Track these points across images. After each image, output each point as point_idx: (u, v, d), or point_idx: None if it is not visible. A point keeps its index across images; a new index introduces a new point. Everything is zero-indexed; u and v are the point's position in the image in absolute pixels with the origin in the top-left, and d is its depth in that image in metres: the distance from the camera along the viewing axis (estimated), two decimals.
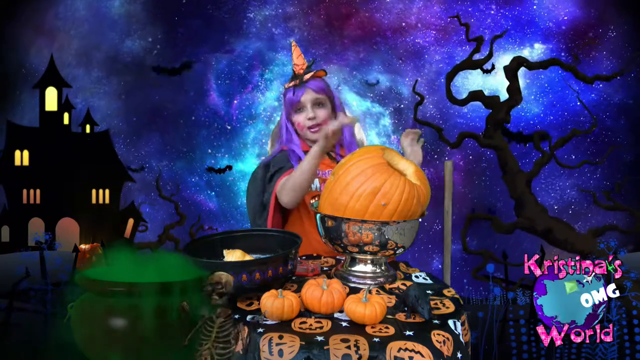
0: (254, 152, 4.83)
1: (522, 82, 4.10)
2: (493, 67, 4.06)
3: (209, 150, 4.78)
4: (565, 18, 4.46)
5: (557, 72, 4.25)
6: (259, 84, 4.79)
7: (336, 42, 4.68)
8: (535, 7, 4.53)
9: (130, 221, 4.70)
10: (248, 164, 4.82)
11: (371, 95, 4.74)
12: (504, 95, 4.09)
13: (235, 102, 4.78)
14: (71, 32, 4.61)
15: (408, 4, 4.64)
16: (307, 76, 1.80)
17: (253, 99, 4.80)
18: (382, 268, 1.48)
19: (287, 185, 1.72)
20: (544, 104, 4.55)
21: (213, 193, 4.84)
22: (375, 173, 1.37)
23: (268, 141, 2.28)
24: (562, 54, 4.42)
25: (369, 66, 4.71)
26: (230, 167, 4.74)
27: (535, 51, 4.55)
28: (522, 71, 4.06)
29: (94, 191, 4.67)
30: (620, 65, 4.22)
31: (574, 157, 4.38)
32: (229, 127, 4.77)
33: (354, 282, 1.44)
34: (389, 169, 1.40)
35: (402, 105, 4.71)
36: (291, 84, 1.83)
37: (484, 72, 4.08)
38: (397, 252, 1.43)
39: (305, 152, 1.87)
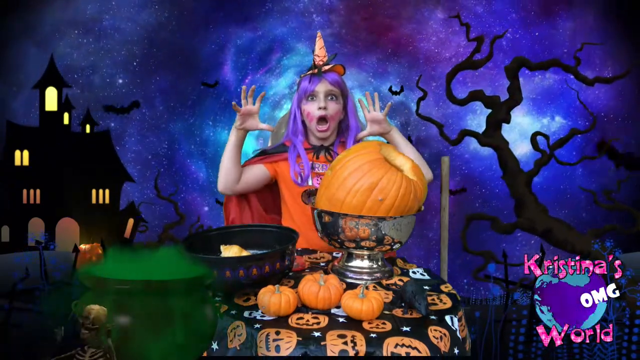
0: (253, 132, 4.80)
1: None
2: None
3: (210, 122, 4.75)
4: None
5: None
6: (275, 68, 4.76)
7: (353, 45, 4.65)
8: (555, 32, 4.44)
9: (130, 221, 4.70)
10: (245, 144, 4.78)
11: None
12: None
13: (248, 79, 4.75)
14: None
15: (428, 19, 4.59)
16: (326, 67, 1.82)
17: (265, 81, 4.77)
18: (379, 264, 1.48)
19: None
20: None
21: (204, 163, 4.82)
22: (372, 169, 1.37)
23: (269, 137, 2.28)
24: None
25: (385, 75, 4.67)
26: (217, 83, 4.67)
27: (552, 76, 4.41)
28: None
29: (94, 191, 4.66)
30: (629, 108, 4.19)
31: (592, 181, 4.34)
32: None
33: (350, 278, 1.44)
34: (386, 165, 1.40)
35: (408, 120, 4.65)
36: (308, 73, 1.85)
37: None
38: (394, 247, 1.43)
39: (307, 150, 1.86)
